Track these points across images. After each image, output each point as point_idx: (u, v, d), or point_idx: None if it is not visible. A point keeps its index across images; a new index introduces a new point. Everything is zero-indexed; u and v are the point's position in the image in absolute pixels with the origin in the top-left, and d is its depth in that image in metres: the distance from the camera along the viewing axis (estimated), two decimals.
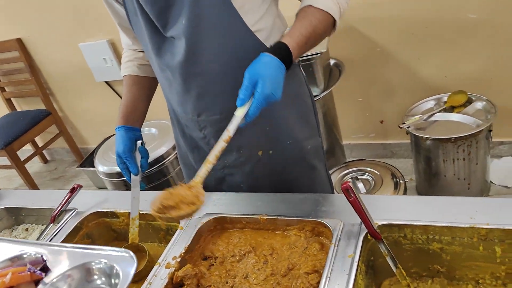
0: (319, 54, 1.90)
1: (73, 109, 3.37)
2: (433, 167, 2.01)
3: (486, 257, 0.87)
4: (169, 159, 2.04)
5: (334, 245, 0.91)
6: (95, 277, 0.84)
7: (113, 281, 0.82)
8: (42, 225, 1.40)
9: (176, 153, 2.11)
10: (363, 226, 0.91)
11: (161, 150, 2.01)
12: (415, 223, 0.89)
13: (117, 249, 0.88)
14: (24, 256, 0.92)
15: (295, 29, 0.99)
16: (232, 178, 1.22)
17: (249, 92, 0.90)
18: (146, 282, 0.96)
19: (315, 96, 2.01)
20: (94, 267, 0.83)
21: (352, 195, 0.86)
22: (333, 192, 1.36)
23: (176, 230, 1.11)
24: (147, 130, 2.26)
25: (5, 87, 3.44)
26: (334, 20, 1.03)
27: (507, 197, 1.02)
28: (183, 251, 1.02)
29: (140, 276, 1.04)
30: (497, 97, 1.96)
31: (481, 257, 0.87)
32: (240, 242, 1.04)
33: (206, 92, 1.10)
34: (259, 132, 1.13)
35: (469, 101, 2.02)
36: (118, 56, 2.85)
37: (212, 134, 1.17)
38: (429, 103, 2.13)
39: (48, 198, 1.42)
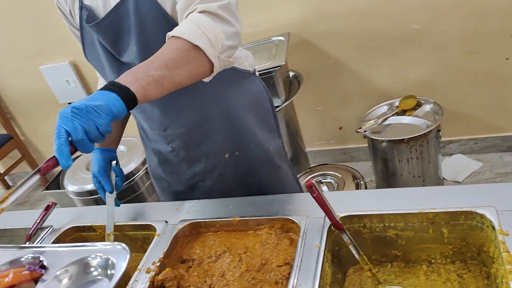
0: (278, 67, 2.01)
1: (36, 132, 3.34)
2: (390, 167, 2.15)
3: (435, 239, 0.98)
4: (138, 175, 2.08)
5: (302, 238, 0.99)
6: (92, 269, 0.89)
7: (109, 272, 0.87)
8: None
9: (145, 168, 2.16)
10: (327, 219, 1.00)
11: (131, 167, 2.05)
12: (372, 213, 1.00)
13: (109, 243, 0.93)
14: (22, 259, 0.96)
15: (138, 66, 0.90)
16: (204, 184, 1.30)
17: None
18: (128, 287, 1.01)
19: (277, 106, 2.12)
20: (90, 261, 0.88)
21: (316, 191, 0.95)
22: (301, 190, 1.45)
23: (153, 238, 1.16)
24: None
25: None
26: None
27: (451, 186, 1.13)
28: (162, 256, 1.08)
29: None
30: (443, 100, 2.13)
31: (431, 239, 0.98)
32: (215, 244, 1.11)
33: (169, 108, 1.17)
34: (224, 138, 1.22)
35: (419, 104, 2.18)
36: (81, 77, 2.87)
37: (181, 146, 1.24)
38: (383, 108, 2.28)
39: (21, 218, 1.44)
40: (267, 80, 2.05)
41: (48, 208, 1.34)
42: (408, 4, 2.07)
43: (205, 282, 1.03)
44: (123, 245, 0.91)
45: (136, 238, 1.26)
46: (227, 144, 1.23)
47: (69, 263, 0.87)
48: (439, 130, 2.07)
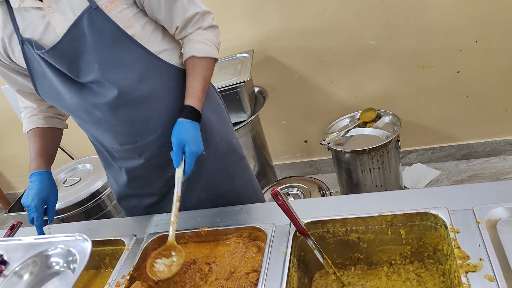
0: (243, 83, 2.06)
1: None
2: (354, 178, 2.22)
3: (394, 240, 1.04)
4: (105, 193, 2.07)
5: (269, 245, 1.03)
6: (54, 262, 0.88)
7: (71, 264, 0.87)
8: None
9: None
10: (292, 225, 1.04)
11: (97, 185, 2.03)
12: (335, 218, 1.05)
13: (70, 234, 0.93)
14: None
15: (191, 87, 1.17)
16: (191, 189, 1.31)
17: (180, 154, 1.11)
18: None
19: (242, 121, 2.17)
20: (51, 253, 0.87)
21: (281, 199, 0.99)
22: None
23: (122, 253, 1.17)
24: (81, 166, 2.27)
25: None
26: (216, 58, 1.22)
27: (407, 190, 1.19)
28: (132, 270, 1.09)
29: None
30: (401, 111, 2.24)
31: (390, 241, 1.04)
32: (185, 252, 1.13)
33: (138, 118, 1.19)
34: None
35: (378, 116, 2.27)
36: None
37: (154, 153, 1.25)
38: (345, 121, 2.36)
39: None
40: (233, 95, 2.10)
41: (13, 228, 1.32)
42: (364, 21, 2.17)
43: None
44: (84, 236, 0.91)
45: (105, 253, 1.26)
46: None
47: (30, 256, 0.87)
48: (398, 140, 2.16)
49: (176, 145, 1.10)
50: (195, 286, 1.05)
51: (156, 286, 1.07)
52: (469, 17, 2.06)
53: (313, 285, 1.09)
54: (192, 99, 1.15)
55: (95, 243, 1.23)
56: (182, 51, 1.23)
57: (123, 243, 1.19)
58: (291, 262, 0.98)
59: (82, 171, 2.25)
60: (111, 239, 1.22)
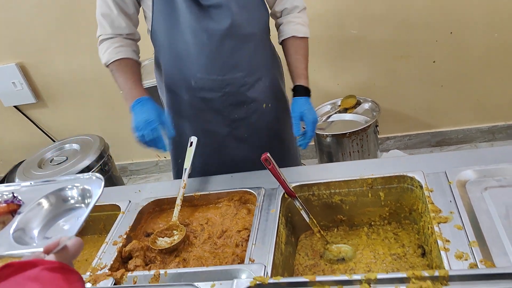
0: None
1: None
2: (334, 162, 2.32)
3: (374, 202, 1.13)
4: (94, 170, 2.10)
5: (259, 205, 1.10)
6: (70, 199, 0.94)
7: (86, 200, 0.93)
8: None
9: (100, 165, 2.18)
10: (280, 188, 1.12)
11: (85, 163, 2.07)
12: (320, 181, 1.13)
13: (85, 174, 0.98)
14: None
15: (300, 69, 1.40)
16: (237, 131, 1.43)
17: (299, 124, 1.31)
18: (96, 258, 1.07)
19: None
20: (67, 191, 0.92)
21: (271, 163, 1.07)
22: None
23: (116, 218, 1.22)
24: (68, 146, 2.30)
25: None
26: None
27: (386, 158, 1.28)
28: (128, 230, 1.14)
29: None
30: (380, 99, 2.34)
31: (370, 203, 1.13)
32: (179, 218, 1.19)
33: (237, 53, 1.32)
34: (264, 87, 1.41)
35: (358, 103, 2.37)
36: (28, 79, 2.83)
37: (233, 92, 1.37)
38: (326, 107, 2.46)
39: None
40: None
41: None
42: (346, 11, 2.27)
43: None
44: (98, 175, 0.97)
45: (99, 219, 1.31)
46: (267, 93, 1.43)
47: (47, 194, 0.92)
48: (377, 126, 2.26)
49: (296, 118, 1.30)
50: (189, 245, 1.11)
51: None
52: (445, 10, 2.18)
53: (299, 244, 1.17)
54: (301, 79, 1.38)
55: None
56: (279, 28, 1.43)
57: (118, 208, 1.24)
58: (280, 219, 1.06)
59: (69, 150, 2.27)
60: (107, 204, 1.27)
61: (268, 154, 1.06)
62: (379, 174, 1.10)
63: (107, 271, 1.02)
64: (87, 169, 2.05)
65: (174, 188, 1.27)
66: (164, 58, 1.37)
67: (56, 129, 3.05)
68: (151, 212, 1.24)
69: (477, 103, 2.45)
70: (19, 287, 0.59)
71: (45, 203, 0.99)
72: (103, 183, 0.94)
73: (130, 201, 1.25)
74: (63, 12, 2.53)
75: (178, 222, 1.15)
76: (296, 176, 1.18)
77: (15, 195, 1.00)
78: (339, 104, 2.42)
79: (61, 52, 2.70)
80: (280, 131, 1.53)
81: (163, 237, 1.14)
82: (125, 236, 1.12)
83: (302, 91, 1.36)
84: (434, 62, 2.35)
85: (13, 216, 0.92)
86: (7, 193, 1.04)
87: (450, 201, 0.97)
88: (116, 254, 1.07)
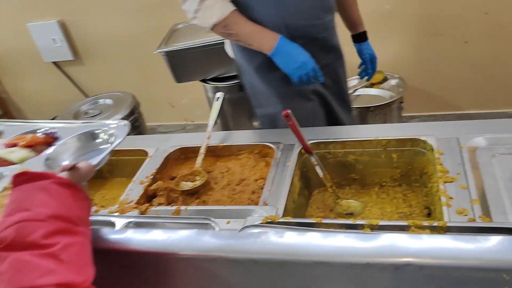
0: None
1: (18, 90, 3.39)
2: None
3: (386, 163, 1.18)
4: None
5: (277, 158, 1.18)
6: (99, 139, 1.05)
7: (110, 143, 1.03)
8: None
9: (131, 121, 2.29)
10: (298, 144, 1.18)
11: (117, 117, 2.18)
12: (336, 140, 1.19)
13: (115, 121, 1.09)
14: (37, 130, 1.10)
15: (358, 16, 1.63)
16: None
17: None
18: (124, 194, 1.17)
19: None
20: (97, 133, 1.04)
21: (291, 120, 1.13)
22: None
23: (143, 163, 1.32)
24: (102, 101, 2.42)
25: None
26: None
27: (402, 123, 1.32)
28: (154, 172, 1.24)
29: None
30: (408, 77, 2.35)
31: (383, 164, 1.18)
32: (202, 166, 1.28)
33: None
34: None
35: (385, 79, 2.39)
36: (67, 36, 2.95)
37: (326, 37, 1.43)
38: (354, 81, 2.48)
39: None
40: None
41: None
42: None
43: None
44: (125, 121, 1.06)
45: (128, 163, 1.40)
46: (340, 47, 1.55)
47: (80, 133, 1.03)
48: (401, 102, 2.28)
49: (367, 61, 1.66)
50: (210, 189, 1.20)
51: (176, 187, 1.22)
52: None
53: (311, 198, 1.24)
54: (362, 25, 1.65)
55: (119, 153, 1.39)
56: None
57: (146, 154, 1.34)
58: (295, 171, 1.13)
59: (103, 105, 2.39)
60: (136, 149, 1.36)
61: (289, 111, 1.12)
62: (393, 136, 1.15)
63: (133, 204, 1.12)
64: None
65: (199, 139, 1.34)
66: (263, 10, 1.27)
67: (91, 86, 3.18)
68: (177, 158, 1.33)
69: (508, 87, 2.43)
70: (29, 194, 0.68)
71: (76, 141, 1.08)
72: (128, 128, 1.03)
73: (158, 148, 1.34)
74: None
75: (201, 168, 1.23)
76: (314, 135, 1.24)
77: (52, 130, 1.11)
78: None
79: (101, 13, 2.80)
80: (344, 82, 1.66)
81: (186, 181, 1.23)
82: (151, 177, 1.22)
83: (366, 36, 1.61)
84: (466, 42, 2.33)
85: (48, 147, 1.03)
86: (47, 128, 1.14)
87: (459, 164, 1.01)
88: (142, 191, 1.17)
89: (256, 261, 0.70)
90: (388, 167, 1.19)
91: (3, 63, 3.28)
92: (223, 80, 2.36)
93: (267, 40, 1.25)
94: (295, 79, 1.26)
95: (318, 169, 1.17)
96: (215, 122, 1.33)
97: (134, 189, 1.19)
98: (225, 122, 2.49)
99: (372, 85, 2.40)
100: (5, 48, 3.17)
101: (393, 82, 2.36)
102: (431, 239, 0.63)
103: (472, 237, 0.60)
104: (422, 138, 1.11)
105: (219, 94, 1.38)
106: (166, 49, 2.28)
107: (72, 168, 0.77)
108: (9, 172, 0.96)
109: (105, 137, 1.09)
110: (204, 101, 2.48)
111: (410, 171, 1.17)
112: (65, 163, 1.02)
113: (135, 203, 1.12)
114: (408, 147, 1.14)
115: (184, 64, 2.34)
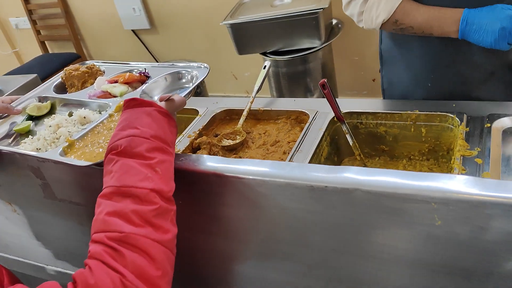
0: (322, 9, 2.22)
1: (101, 55, 3.73)
2: None
3: (415, 137, 1.23)
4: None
5: (309, 123, 1.27)
6: (183, 79, 1.22)
7: (193, 82, 1.20)
8: None
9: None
10: (332, 113, 1.27)
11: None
12: (368, 111, 1.25)
13: (198, 63, 1.25)
14: (133, 70, 1.30)
15: None
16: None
17: None
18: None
19: (314, 47, 2.36)
20: (183, 73, 1.21)
21: (327, 88, 1.21)
22: None
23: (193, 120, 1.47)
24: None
25: (40, 31, 3.80)
26: None
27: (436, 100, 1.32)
28: (201, 128, 1.39)
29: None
30: None
31: (412, 137, 1.23)
32: (243, 127, 1.41)
33: None
34: None
35: None
36: (146, 6, 3.19)
37: None
38: None
39: None
40: (310, 21, 2.28)
41: None
42: None
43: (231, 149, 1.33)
44: (205, 64, 1.22)
45: (181, 120, 1.57)
46: None
47: (168, 73, 1.21)
48: None
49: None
50: (247, 147, 1.33)
51: (218, 142, 1.36)
52: None
53: (341, 165, 1.32)
54: None
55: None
56: None
57: (197, 112, 1.49)
58: (324, 137, 1.22)
59: None
60: (188, 108, 1.51)
61: (325, 80, 1.20)
62: (424, 111, 1.19)
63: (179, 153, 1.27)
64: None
65: (245, 103, 1.47)
66: None
67: (163, 54, 3.42)
68: (222, 119, 1.46)
69: None
70: (137, 116, 0.87)
71: (165, 80, 1.27)
72: (207, 70, 1.19)
73: (207, 108, 1.49)
74: None
75: (241, 129, 1.36)
76: (348, 106, 1.31)
77: (146, 70, 1.30)
78: None
79: None
80: None
81: (227, 139, 1.36)
82: (198, 132, 1.37)
83: None
84: None
85: (142, 84, 1.23)
86: (141, 68, 1.33)
87: (481, 141, 1.04)
88: (188, 143, 1.33)
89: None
90: (416, 141, 1.23)
91: (90, 30, 3.62)
92: (282, 54, 2.45)
93: (449, 23, 1.08)
94: (504, 48, 1.06)
95: (348, 137, 1.24)
96: (259, 88, 1.44)
97: (182, 141, 1.35)
98: (281, 96, 2.60)
99: None
100: (92, 15, 3.49)
101: None
102: (378, 173, 0.73)
103: (412, 173, 0.70)
104: (451, 114, 1.14)
105: (267, 63, 1.49)
106: (230, 22, 2.42)
107: (168, 99, 0.94)
108: (112, 103, 1.16)
109: (189, 77, 1.27)
110: None
111: (438, 146, 1.21)
112: (156, 97, 1.21)
113: (181, 153, 1.28)
114: (436, 122, 1.17)
115: (246, 36, 2.46)
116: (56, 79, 1.40)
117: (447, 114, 1.15)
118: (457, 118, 1.13)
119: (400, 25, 1.16)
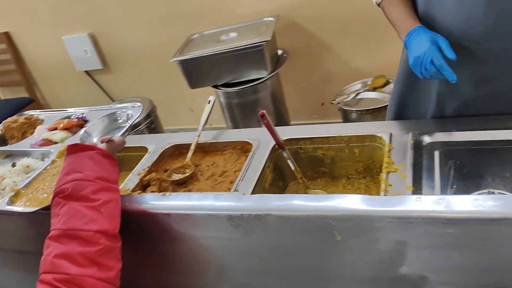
0: (265, 41, 2.34)
1: (55, 97, 3.73)
2: None
3: (350, 158, 1.32)
4: (141, 127, 2.45)
5: (253, 152, 1.34)
6: (119, 119, 1.29)
7: (129, 121, 1.26)
8: None
9: (147, 123, 2.51)
10: (273, 141, 1.34)
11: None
12: (305, 136, 1.34)
13: (132, 103, 1.31)
14: (71, 116, 1.38)
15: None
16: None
17: None
18: (123, 183, 1.37)
19: (262, 77, 2.47)
20: (118, 113, 1.27)
21: (266, 119, 1.29)
22: None
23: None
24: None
25: None
26: None
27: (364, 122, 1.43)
28: (150, 165, 1.43)
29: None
30: None
31: (347, 158, 1.32)
32: (192, 160, 1.46)
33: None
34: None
35: (387, 83, 2.51)
36: (97, 47, 3.24)
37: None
38: (357, 86, 2.61)
39: None
40: (255, 53, 2.39)
41: None
42: None
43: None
44: (139, 103, 1.30)
45: (132, 158, 1.60)
46: None
47: (104, 115, 1.27)
48: None
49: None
50: (196, 180, 1.38)
51: (167, 178, 1.40)
52: None
53: (286, 189, 1.40)
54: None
55: (124, 149, 1.58)
56: None
57: (146, 150, 1.54)
58: (267, 164, 1.29)
59: None
60: (138, 146, 1.56)
61: (264, 111, 1.29)
62: (354, 133, 1.29)
63: (130, 192, 1.31)
64: (137, 125, 2.40)
65: (192, 137, 1.53)
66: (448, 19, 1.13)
67: (118, 93, 3.45)
68: (171, 154, 1.52)
69: None
70: (80, 160, 0.93)
71: (102, 122, 1.33)
72: (141, 108, 1.26)
73: (156, 144, 1.54)
74: None
75: (190, 162, 1.42)
76: (288, 133, 1.39)
77: (83, 115, 1.35)
78: (369, 83, 2.56)
79: (126, 25, 3.07)
80: None
81: (177, 173, 1.41)
82: (147, 169, 1.41)
83: None
84: None
85: (80, 128, 1.29)
86: (78, 114, 1.40)
87: (404, 157, 1.14)
88: (138, 181, 1.37)
89: None
90: (352, 161, 1.33)
91: (42, 73, 3.62)
92: (233, 86, 2.55)
93: (403, 32, 1.17)
94: (419, 76, 1.12)
95: (290, 163, 1.32)
96: (205, 122, 1.51)
97: (132, 179, 1.39)
98: (236, 125, 2.69)
99: (374, 89, 2.52)
100: (44, 59, 3.50)
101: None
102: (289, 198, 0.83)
103: (312, 196, 0.78)
104: (379, 134, 1.25)
105: (211, 98, 1.56)
106: (180, 58, 2.50)
107: (108, 141, 1.01)
108: (54, 149, 1.22)
109: (124, 117, 1.32)
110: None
111: (371, 164, 1.31)
112: (95, 139, 1.25)
113: (131, 191, 1.32)
114: (367, 142, 1.27)
115: (197, 71, 2.55)
116: None
117: (375, 134, 1.25)
118: (384, 138, 1.23)
119: (385, 12, 1.29)
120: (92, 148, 0.95)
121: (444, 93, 1.28)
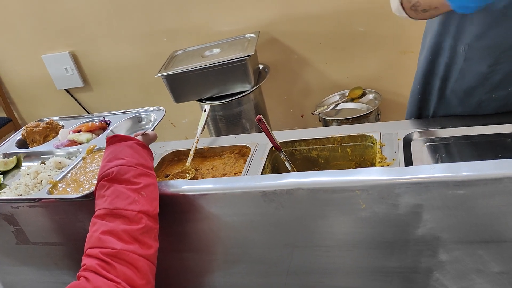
0: (248, 56, 2.45)
1: (33, 116, 3.69)
2: None
3: (343, 157, 1.42)
4: None
5: (251, 155, 1.42)
6: (143, 122, 1.40)
7: (154, 122, 1.37)
8: None
9: None
10: (270, 144, 1.43)
11: None
12: (300, 138, 1.43)
13: (154, 107, 1.45)
14: (95, 120, 1.45)
15: None
16: None
17: None
18: None
19: (246, 91, 2.56)
20: (141, 117, 1.35)
21: (263, 123, 1.38)
22: None
23: None
24: None
25: None
26: None
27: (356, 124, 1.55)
28: None
29: None
30: (384, 91, 2.61)
31: (340, 158, 1.42)
32: (191, 165, 1.53)
33: None
34: None
35: (364, 94, 2.65)
36: (78, 65, 3.26)
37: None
38: (335, 97, 2.74)
39: None
40: (239, 68, 2.49)
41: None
42: (354, 10, 2.55)
43: None
44: (161, 108, 1.45)
45: None
46: None
47: (128, 118, 1.34)
48: (378, 114, 2.53)
49: None
50: None
51: None
52: None
53: None
54: None
55: None
56: None
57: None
58: (266, 165, 1.37)
59: None
60: None
61: (261, 116, 1.37)
62: (346, 133, 1.39)
63: None
64: None
65: (190, 144, 1.60)
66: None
67: (99, 110, 3.47)
68: (171, 160, 1.57)
69: None
70: (120, 148, 1.03)
71: (126, 123, 1.40)
72: (163, 113, 1.40)
73: (155, 152, 1.60)
74: (111, 5, 2.93)
75: (190, 166, 1.48)
76: (284, 136, 1.48)
77: (105, 118, 1.42)
78: (347, 94, 2.70)
79: (107, 43, 3.11)
80: None
81: (178, 178, 1.47)
82: None
83: None
84: None
85: (103, 131, 1.40)
86: (100, 117, 1.50)
87: (395, 152, 1.25)
88: None
89: None
90: (345, 160, 1.42)
91: (21, 92, 3.59)
92: (217, 99, 2.63)
93: None
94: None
95: (287, 163, 1.41)
96: (202, 129, 1.58)
97: None
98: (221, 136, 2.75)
99: (352, 100, 2.66)
100: (23, 78, 3.48)
101: (370, 96, 2.62)
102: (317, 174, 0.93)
103: (338, 171, 0.89)
104: (369, 134, 1.35)
105: (207, 106, 1.64)
106: (165, 73, 2.57)
107: (143, 134, 1.14)
108: (82, 149, 1.30)
109: (147, 119, 1.40)
110: None
111: (363, 162, 1.41)
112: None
113: None
114: (358, 142, 1.38)
115: (182, 86, 2.62)
116: (17, 136, 1.50)
117: (366, 134, 1.36)
118: (374, 137, 1.34)
119: (411, 1, 1.17)
120: (130, 138, 1.06)
121: (458, 91, 1.35)
